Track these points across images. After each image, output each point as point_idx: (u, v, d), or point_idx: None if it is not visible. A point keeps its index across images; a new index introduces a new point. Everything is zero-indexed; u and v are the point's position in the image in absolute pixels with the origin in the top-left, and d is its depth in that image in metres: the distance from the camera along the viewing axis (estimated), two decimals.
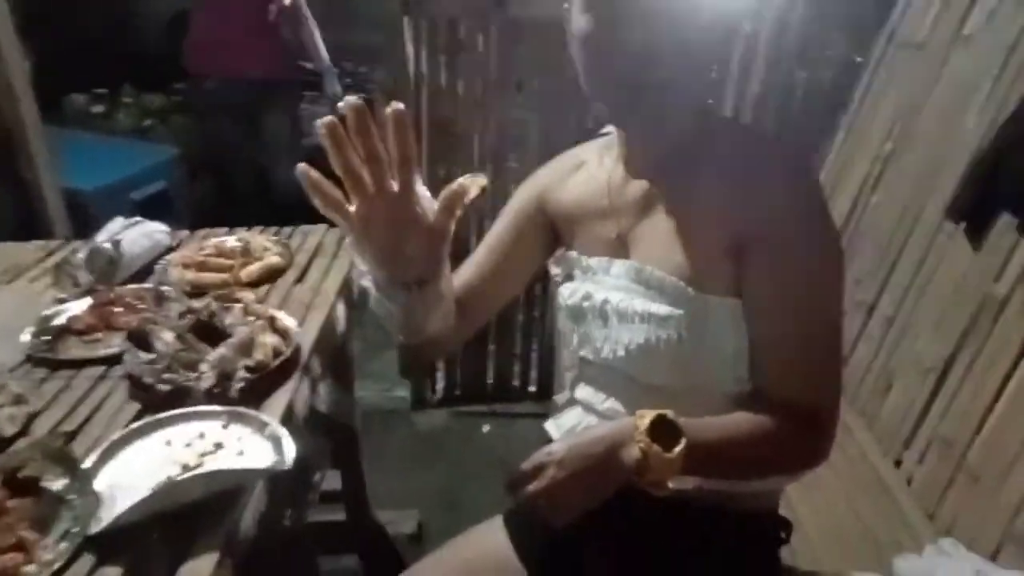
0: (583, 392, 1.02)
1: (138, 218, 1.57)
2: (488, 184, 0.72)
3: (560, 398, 1.10)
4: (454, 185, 0.69)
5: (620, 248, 0.92)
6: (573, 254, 0.99)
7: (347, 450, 1.77)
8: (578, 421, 1.03)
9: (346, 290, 1.47)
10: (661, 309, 0.85)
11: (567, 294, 0.98)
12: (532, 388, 2.52)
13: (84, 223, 2.67)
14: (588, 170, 0.99)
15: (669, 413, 0.78)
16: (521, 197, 1.04)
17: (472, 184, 0.70)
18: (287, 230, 1.69)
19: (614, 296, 0.90)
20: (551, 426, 1.09)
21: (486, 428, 2.41)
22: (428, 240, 0.70)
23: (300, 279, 1.48)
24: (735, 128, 0.94)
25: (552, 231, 1.02)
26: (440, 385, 2.57)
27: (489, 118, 2.24)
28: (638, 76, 0.78)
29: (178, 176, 3.32)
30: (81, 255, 1.42)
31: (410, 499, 2.05)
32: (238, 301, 1.30)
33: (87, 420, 1.06)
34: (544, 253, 1.05)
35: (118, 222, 1.55)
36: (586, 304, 0.94)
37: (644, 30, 0.76)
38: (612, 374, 0.95)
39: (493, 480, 1.79)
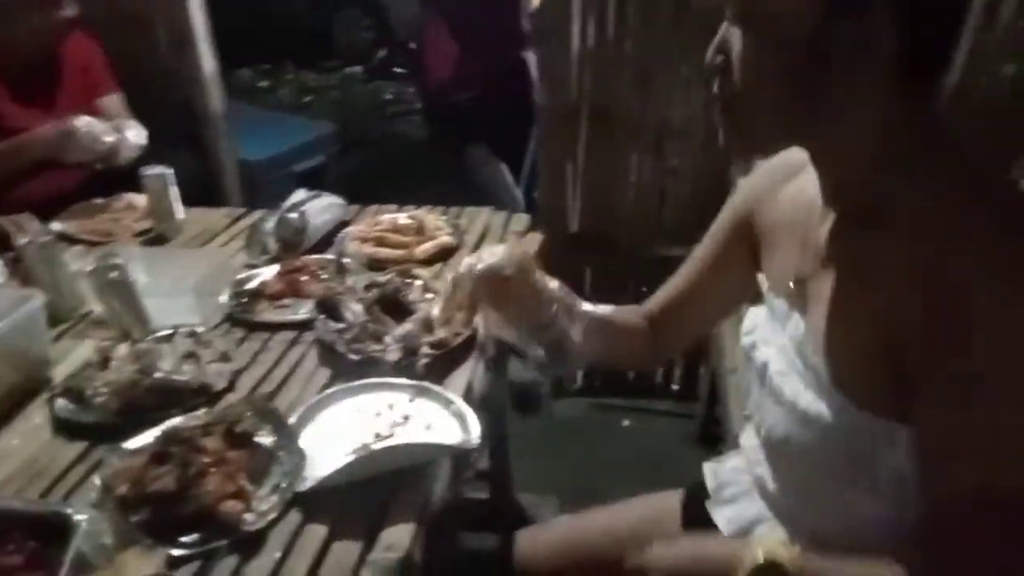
0: (747, 440, 0.92)
1: (318, 191, 1.64)
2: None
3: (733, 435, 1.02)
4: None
5: (799, 297, 0.76)
6: (764, 280, 0.87)
7: (496, 431, 1.79)
8: (733, 475, 0.95)
9: None
10: (807, 403, 0.72)
11: (748, 324, 0.87)
12: (675, 386, 2.45)
13: (253, 192, 2.85)
14: (801, 181, 0.80)
15: (783, 556, 0.63)
16: (732, 206, 0.91)
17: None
18: (454, 210, 1.72)
19: (776, 363, 0.79)
20: (708, 469, 1.01)
21: (626, 423, 2.38)
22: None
23: None
24: (944, 172, 0.64)
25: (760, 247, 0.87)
26: (580, 374, 2.56)
27: (651, 105, 2.18)
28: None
29: (333, 152, 3.47)
30: (270, 224, 1.50)
31: (546, 484, 2.05)
32: (416, 278, 1.34)
33: (284, 381, 1.12)
34: (754, 274, 0.90)
35: (300, 193, 1.62)
36: (755, 354, 0.84)
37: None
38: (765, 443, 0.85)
39: (630, 475, 1.78)
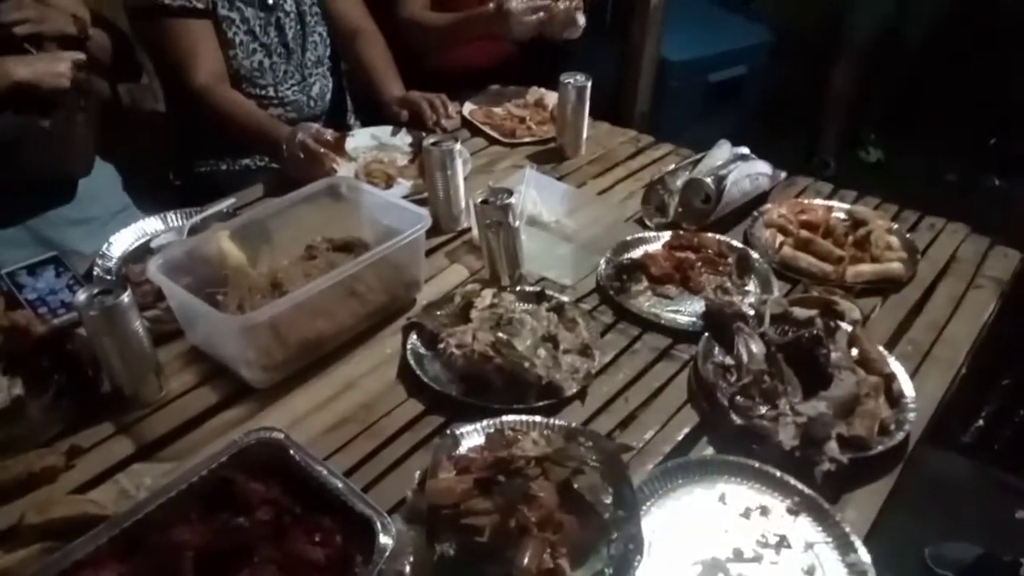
0: None
1: (745, 150, 1.33)
2: None
3: None
4: None
5: None
6: None
7: None
8: None
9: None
10: None
11: None
12: None
13: (658, 95, 2.60)
14: None
15: None
16: None
17: None
18: (911, 215, 1.29)
19: None
20: None
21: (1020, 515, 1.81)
22: None
23: (919, 305, 1.10)
24: None
25: None
26: (974, 426, 2.00)
27: None
28: None
29: (758, 64, 3.02)
30: (677, 182, 1.25)
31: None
32: (842, 317, 1.01)
33: (640, 408, 0.91)
34: None
35: (724, 150, 1.33)
36: None
37: None
38: None
39: None
